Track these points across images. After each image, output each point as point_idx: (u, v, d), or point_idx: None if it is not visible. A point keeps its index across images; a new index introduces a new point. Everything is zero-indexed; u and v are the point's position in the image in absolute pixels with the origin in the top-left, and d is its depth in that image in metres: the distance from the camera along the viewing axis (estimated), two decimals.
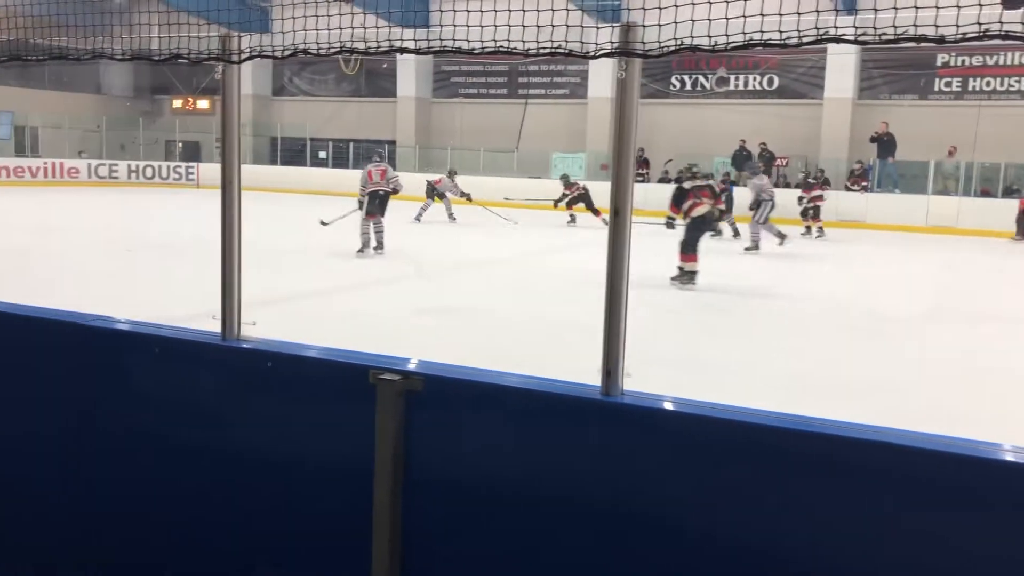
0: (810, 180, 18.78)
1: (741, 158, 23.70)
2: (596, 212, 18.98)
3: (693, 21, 2.03)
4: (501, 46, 2.20)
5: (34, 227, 15.32)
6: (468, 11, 2.73)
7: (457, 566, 2.31)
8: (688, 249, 10.51)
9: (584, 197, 19.72)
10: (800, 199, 18.47)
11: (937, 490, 1.87)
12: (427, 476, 2.31)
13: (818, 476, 1.97)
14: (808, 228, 18.29)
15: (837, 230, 19.66)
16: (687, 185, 11.11)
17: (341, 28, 2.94)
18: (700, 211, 10.65)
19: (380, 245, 13.00)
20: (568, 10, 2.37)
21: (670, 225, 11.16)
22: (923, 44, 1.88)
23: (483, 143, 28.07)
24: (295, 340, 2.66)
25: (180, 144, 34.50)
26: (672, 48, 2.01)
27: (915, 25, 1.80)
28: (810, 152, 24.15)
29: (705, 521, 2.07)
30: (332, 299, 9.69)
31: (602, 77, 25.98)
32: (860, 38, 1.90)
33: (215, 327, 2.63)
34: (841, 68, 23.23)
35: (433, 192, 20.64)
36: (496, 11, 2.55)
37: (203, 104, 35.60)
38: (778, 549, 2.00)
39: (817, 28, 1.90)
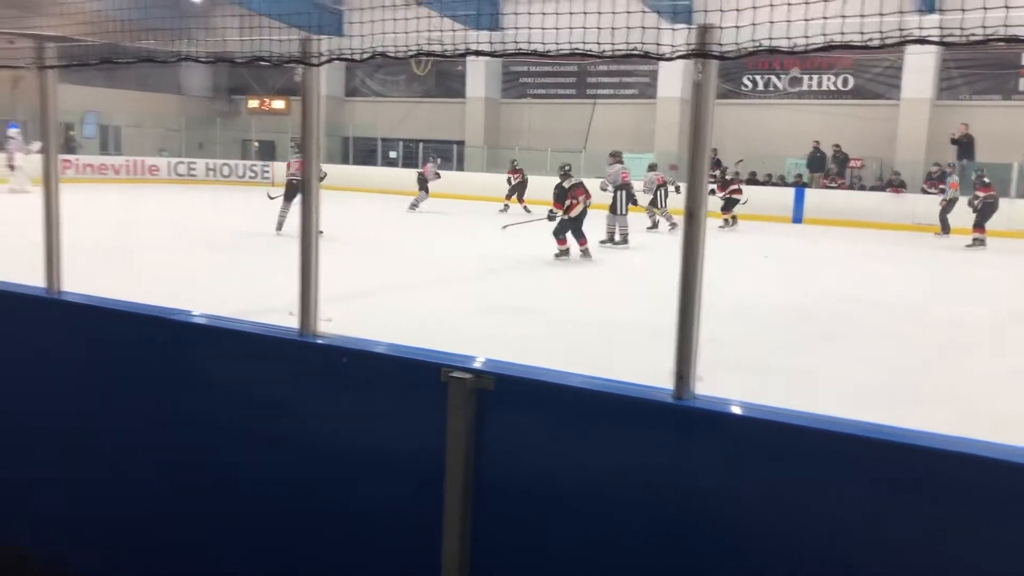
0: (727, 177, 20.13)
1: (816, 160, 23.25)
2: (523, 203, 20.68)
3: (772, 23, 2.01)
4: (576, 48, 2.20)
5: (119, 222, 15.84)
6: (543, 14, 2.74)
7: (526, 566, 2.32)
8: (560, 235, 12.49)
9: (521, 185, 20.11)
10: (713, 191, 19.04)
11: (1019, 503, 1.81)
12: (497, 475, 2.33)
13: (897, 488, 1.93)
14: (726, 220, 19.43)
15: (913, 233, 19.13)
16: (566, 184, 12.51)
17: (417, 32, 2.99)
18: (577, 210, 12.41)
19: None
20: (643, 12, 2.35)
21: (551, 217, 12.78)
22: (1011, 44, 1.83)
23: (551, 143, 28.05)
24: (367, 336, 2.70)
25: (256, 143, 35.29)
26: (750, 50, 1.99)
27: (1006, 25, 1.76)
28: (885, 154, 23.55)
29: (777, 529, 2.05)
30: (402, 296, 9.81)
31: (672, 77, 25.76)
32: (946, 39, 1.86)
33: (293, 323, 2.69)
34: (920, 68, 22.59)
35: (424, 182, 21.45)
36: (571, 13, 2.56)
37: (278, 104, 36.37)
38: (852, 562, 1.97)
39: (900, 29, 1.86)
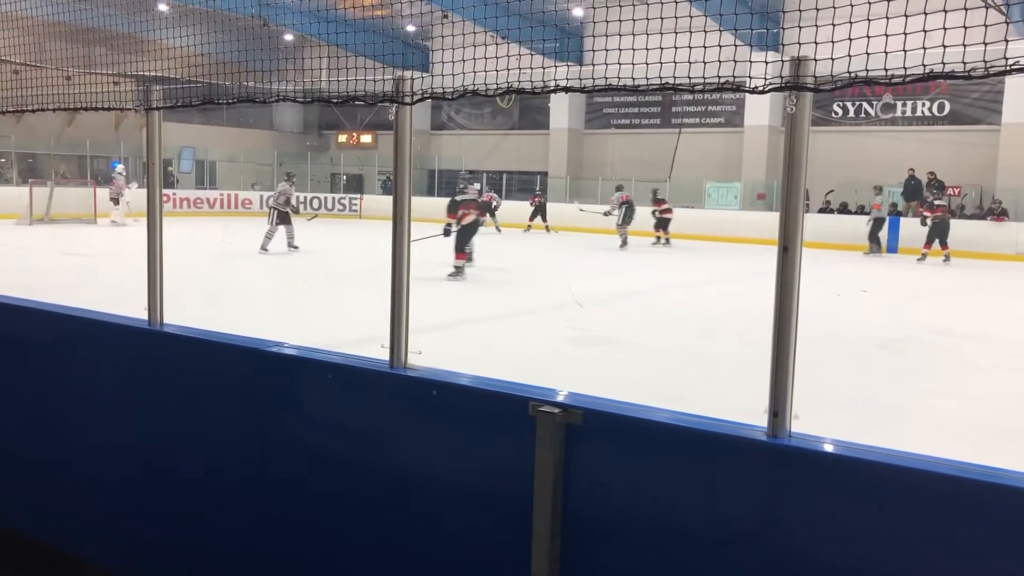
0: (659, 196, 21.98)
1: (911, 187, 22.52)
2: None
3: (868, 54, 1.97)
4: (667, 82, 2.19)
5: (215, 255, 16.39)
6: (633, 49, 2.74)
7: None
8: (459, 249, 13.37)
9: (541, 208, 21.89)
10: (653, 212, 21.49)
11: None
12: (586, 511, 2.31)
13: (1003, 531, 1.84)
14: (658, 238, 21.39)
15: (1016, 264, 18.37)
16: (459, 199, 13.83)
17: (508, 69, 3.02)
18: (468, 220, 13.48)
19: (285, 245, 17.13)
20: (735, 45, 2.33)
21: (447, 232, 13.61)
22: None
23: (635, 173, 27.96)
24: (454, 368, 2.72)
25: (344, 177, 36.19)
26: (845, 82, 1.95)
27: None
28: (986, 181, 22.72)
29: (878, 574, 1.97)
30: (487, 327, 9.87)
31: (759, 105, 25.43)
32: None
33: (384, 355, 2.73)
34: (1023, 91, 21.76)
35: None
36: (661, 48, 2.55)
37: (366, 139, 37.26)
38: None
39: (1006, 58, 1.80)
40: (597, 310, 10.96)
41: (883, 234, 20.43)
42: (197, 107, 3.11)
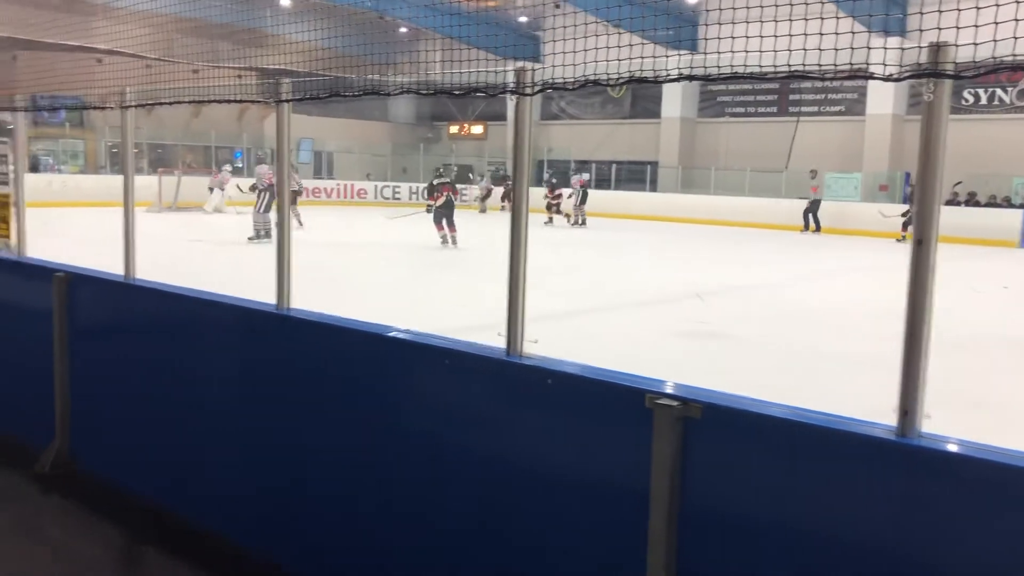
0: (552, 181, 24.44)
1: None
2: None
3: (1016, 38, 1.87)
4: (795, 70, 2.14)
5: (336, 243, 16.87)
6: (747, 37, 2.68)
7: None
8: (436, 222, 16.35)
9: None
10: (544, 196, 23.42)
11: None
12: (704, 505, 2.28)
13: None
14: (550, 219, 23.02)
15: None
16: (435, 182, 16.93)
17: (619, 60, 3.00)
18: (441, 201, 16.44)
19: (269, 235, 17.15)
20: (853, 32, 2.24)
21: (429, 209, 16.85)
22: None
23: (750, 163, 27.30)
24: (569, 359, 2.73)
25: (455, 167, 36.66)
26: (990, 68, 1.86)
27: None
28: None
29: None
30: (601, 318, 9.84)
31: (883, 93, 24.42)
32: None
33: (500, 343, 2.76)
34: None
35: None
36: (776, 36, 2.48)
37: (477, 130, 37.63)
38: None
39: None
40: (711, 303, 10.77)
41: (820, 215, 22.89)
42: (324, 100, 3.21)
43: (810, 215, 23.09)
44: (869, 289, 12.67)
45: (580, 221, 23.46)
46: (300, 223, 17.72)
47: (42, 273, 4.39)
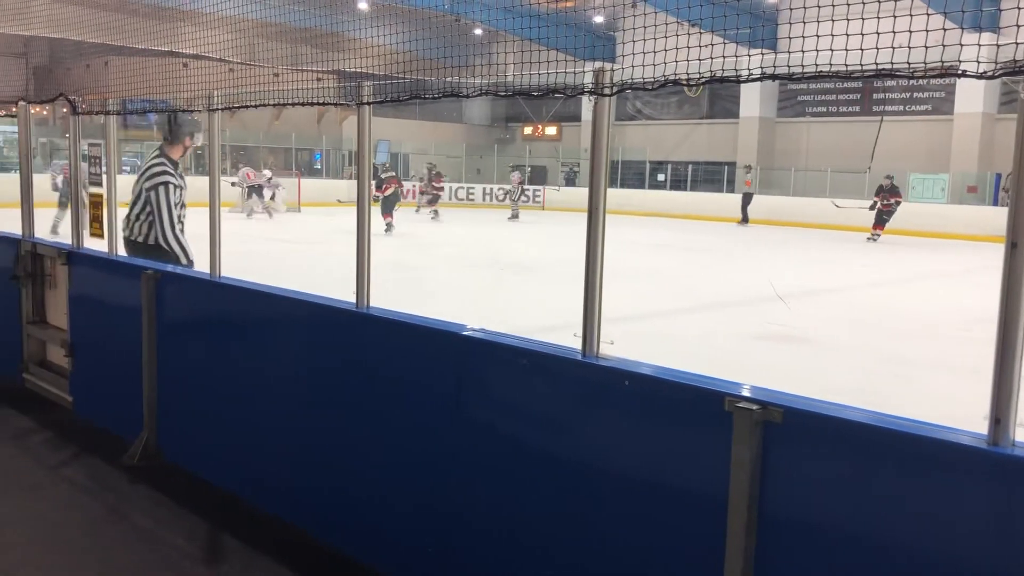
0: (435, 172, 25.41)
1: None
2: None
3: None
4: (882, 68, 2.08)
5: (412, 244, 17.10)
6: (832, 35, 2.61)
7: None
8: (384, 211, 19.27)
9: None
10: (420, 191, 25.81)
11: None
12: (784, 512, 2.24)
13: None
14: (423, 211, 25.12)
15: None
16: (383, 176, 19.86)
17: (695, 60, 2.97)
18: (388, 192, 19.70)
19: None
20: (944, 29, 2.17)
21: (375, 200, 18.78)
22: None
23: (831, 163, 26.69)
24: (646, 360, 2.71)
25: (529, 168, 36.75)
26: None
27: None
28: None
29: None
30: (676, 320, 9.76)
31: (972, 91, 23.61)
32: None
33: (576, 343, 2.76)
34: None
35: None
36: (862, 35, 2.41)
37: (551, 131, 37.63)
38: None
39: None
40: (792, 306, 10.57)
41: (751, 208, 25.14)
42: (403, 102, 3.25)
43: (745, 209, 25.69)
44: (957, 293, 12.28)
45: (514, 214, 26.06)
46: (269, 214, 22.29)
47: (132, 271, 4.55)
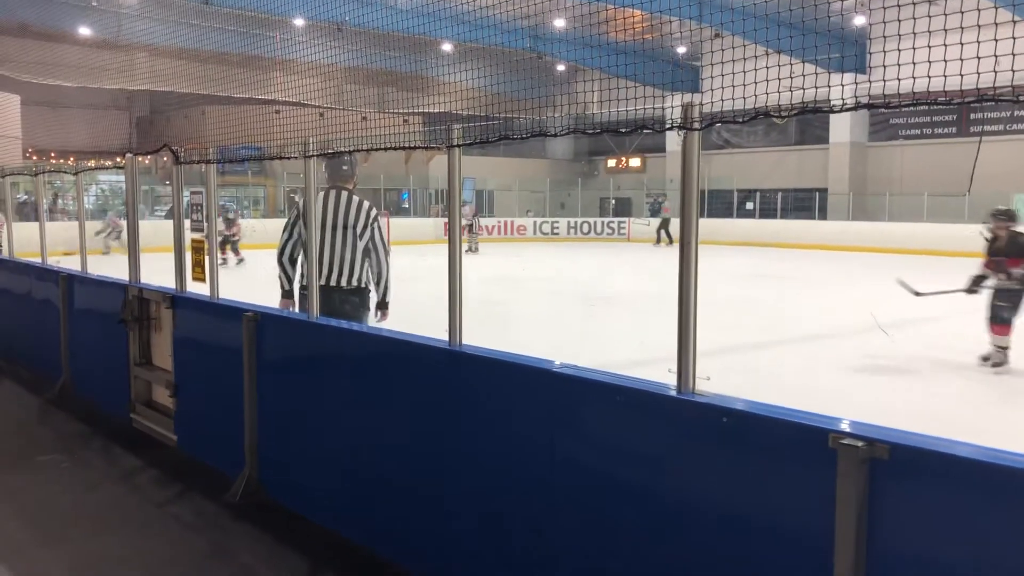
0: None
1: None
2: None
3: None
4: (985, 93, 2.01)
5: (500, 279, 17.22)
6: (929, 62, 2.54)
7: None
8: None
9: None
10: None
11: None
12: (893, 552, 2.15)
13: None
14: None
15: None
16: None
17: (791, 90, 2.93)
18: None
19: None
20: None
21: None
22: None
23: (928, 187, 25.83)
24: (743, 395, 2.65)
25: (613, 201, 36.66)
26: None
27: None
28: None
29: None
30: (775, 352, 9.54)
31: None
32: None
33: (671, 379, 2.73)
34: None
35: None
36: (960, 59, 2.34)
37: (635, 163, 37.52)
38: None
39: None
40: (892, 336, 10.21)
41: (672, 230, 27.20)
42: (493, 143, 3.30)
43: (662, 231, 28.96)
44: None
45: (472, 248, 25.26)
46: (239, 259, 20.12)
47: (233, 313, 4.71)
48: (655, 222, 30.02)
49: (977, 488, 2.04)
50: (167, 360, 5.52)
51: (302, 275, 5.30)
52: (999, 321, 8.46)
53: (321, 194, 5.40)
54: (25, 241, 9.50)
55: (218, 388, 4.96)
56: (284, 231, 5.49)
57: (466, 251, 24.92)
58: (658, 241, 29.09)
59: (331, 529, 4.14)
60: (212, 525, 4.45)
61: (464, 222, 26.43)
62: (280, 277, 5.45)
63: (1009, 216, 8.74)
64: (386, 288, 5.45)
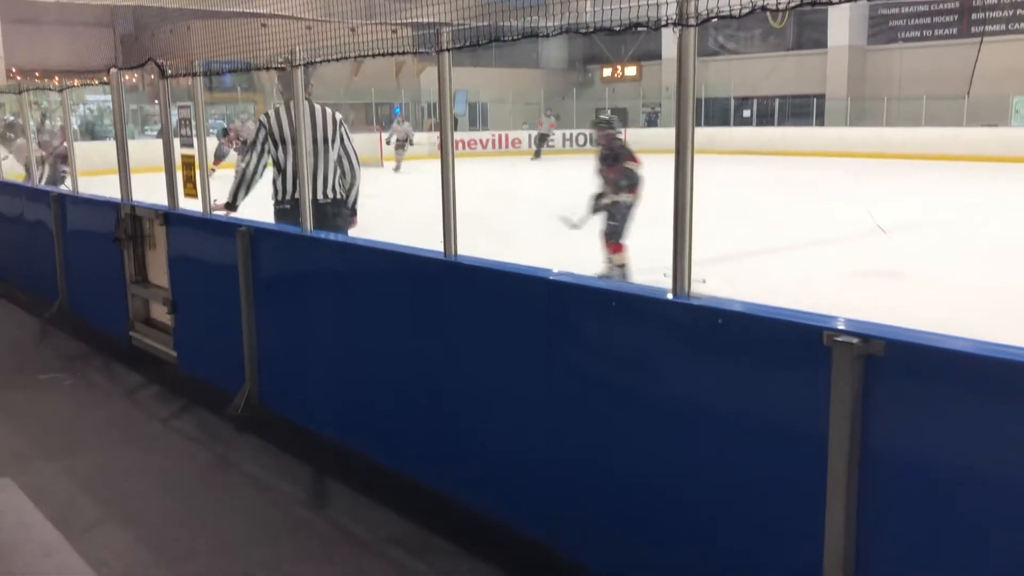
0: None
1: None
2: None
3: None
4: None
5: (494, 193, 17.10)
6: None
7: (917, 546, 2.16)
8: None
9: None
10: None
11: None
12: (888, 448, 2.18)
13: None
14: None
15: None
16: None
17: None
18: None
19: None
20: None
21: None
22: None
23: (928, 90, 25.48)
24: (741, 298, 2.65)
25: (609, 111, 36.14)
26: None
27: None
28: None
29: None
30: (770, 258, 9.56)
31: None
32: None
33: (666, 283, 2.72)
34: None
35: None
36: None
37: (630, 71, 36.86)
38: None
39: None
40: (889, 241, 10.22)
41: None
42: (482, 45, 3.21)
43: (542, 144, 29.22)
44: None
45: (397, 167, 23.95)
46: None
47: (227, 228, 4.68)
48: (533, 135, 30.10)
49: (973, 383, 2.05)
50: (163, 278, 5.51)
51: (277, 191, 5.31)
52: (611, 239, 8.01)
53: (278, 108, 5.36)
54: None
55: (215, 304, 4.97)
56: (250, 151, 5.41)
57: (394, 170, 23.39)
58: (537, 155, 29.22)
59: (333, 439, 4.21)
60: (215, 438, 4.51)
61: (394, 138, 24.56)
62: (234, 190, 5.40)
63: (609, 124, 8.30)
64: (357, 195, 5.46)
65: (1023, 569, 1.99)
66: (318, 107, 5.35)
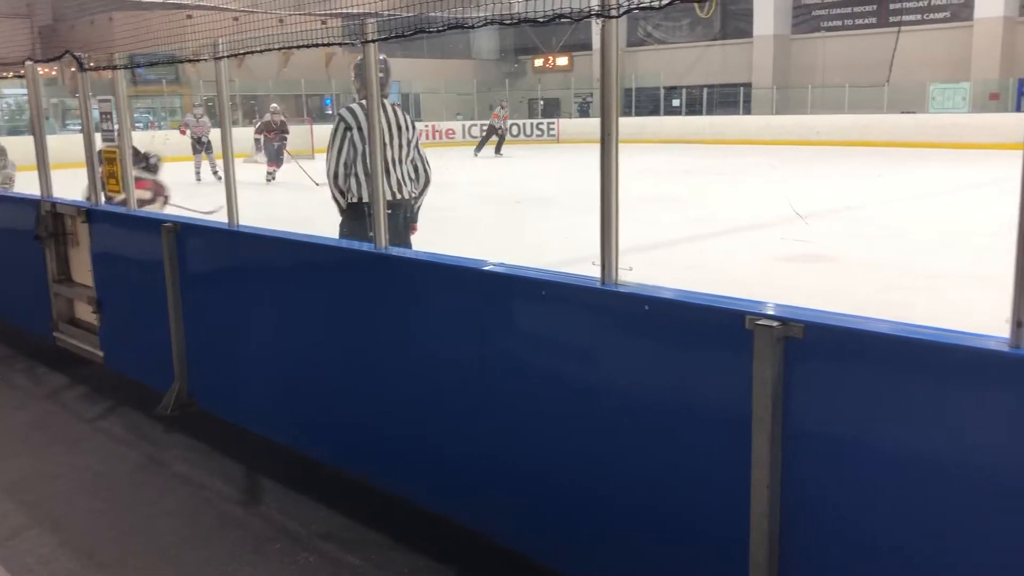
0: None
1: None
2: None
3: None
4: None
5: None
6: None
7: (839, 522, 2.24)
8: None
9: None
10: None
11: None
12: (808, 428, 2.25)
13: None
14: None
15: None
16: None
17: None
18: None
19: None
20: None
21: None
22: None
23: (849, 78, 26.15)
24: (667, 285, 2.71)
25: (541, 101, 36.26)
26: None
27: None
28: None
29: None
30: (695, 246, 9.72)
31: None
32: None
33: (595, 272, 2.76)
34: None
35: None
36: None
37: (562, 61, 37.04)
38: None
39: None
40: (813, 225, 10.48)
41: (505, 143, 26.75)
42: (409, 37, 3.21)
43: (492, 137, 27.10)
44: (980, 205, 12.13)
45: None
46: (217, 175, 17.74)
47: (151, 224, 4.58)
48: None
49: (889, 362, 2.13)
50: (87, 276, 5.37)
51: (351, 193, 4.97)
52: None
53: (352, 107, 5.03)
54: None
55: (142, 301, 4.86)
56: (332, 148, 5.00)
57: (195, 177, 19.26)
58: (479, 148, 27.07)
59: (265, 436, 4.16)
60: (144, 438, 4.43)
61: (194, 135, 20.68)
62: (337, 199, 5.04)
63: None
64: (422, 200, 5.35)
65: (941, 538, 2.08)
66: (388, 104, 5.09)
